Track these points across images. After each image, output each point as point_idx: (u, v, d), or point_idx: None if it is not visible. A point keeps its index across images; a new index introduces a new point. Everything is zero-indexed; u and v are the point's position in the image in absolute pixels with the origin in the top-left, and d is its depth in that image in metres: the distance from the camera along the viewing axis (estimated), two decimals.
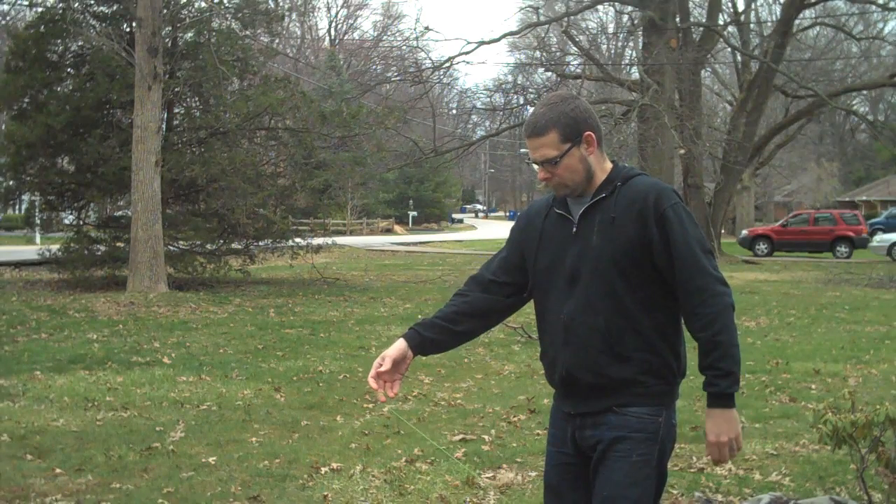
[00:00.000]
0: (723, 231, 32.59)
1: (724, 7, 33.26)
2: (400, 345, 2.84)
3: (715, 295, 2.58)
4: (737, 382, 2.59)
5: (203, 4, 18.69)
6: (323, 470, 5.40)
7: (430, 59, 33.12)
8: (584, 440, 2.72)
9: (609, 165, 2.76)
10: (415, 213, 58.69)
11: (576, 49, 26.47)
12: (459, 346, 3.03)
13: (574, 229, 2.70)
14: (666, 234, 2.60)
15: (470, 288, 2.91)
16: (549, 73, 27.03)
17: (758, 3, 39.08)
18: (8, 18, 32.80)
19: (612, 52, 47.52)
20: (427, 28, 70.42)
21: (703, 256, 2.60)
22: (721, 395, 2.59)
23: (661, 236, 2.60)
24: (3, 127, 23.48)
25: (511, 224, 3.06)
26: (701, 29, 27.49)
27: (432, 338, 2.86)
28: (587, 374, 2.65)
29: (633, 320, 2.62)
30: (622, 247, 2.61)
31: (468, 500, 4.92)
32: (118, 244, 17.31)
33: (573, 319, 2.66)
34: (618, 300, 2.62)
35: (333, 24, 65.23)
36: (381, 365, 2.79)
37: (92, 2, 18.26)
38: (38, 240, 23.81)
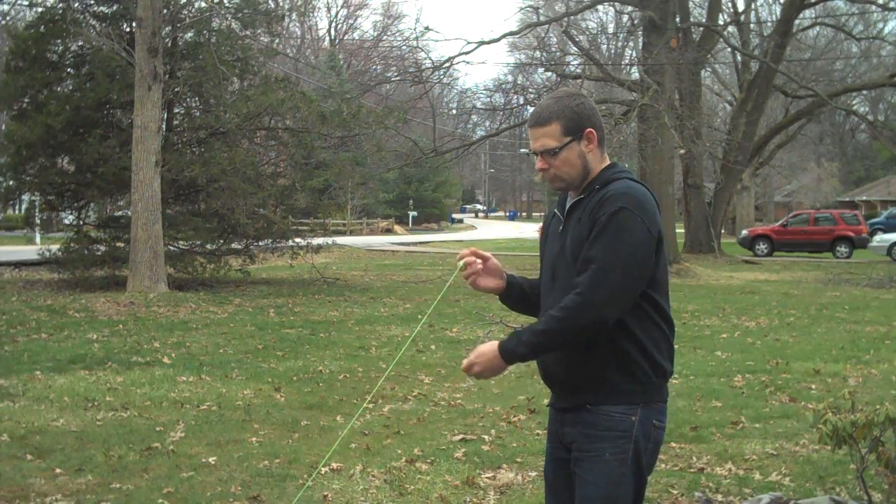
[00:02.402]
0: (723, 231, 32.59)
1: (724, 7, 33.28)
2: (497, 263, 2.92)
3: (583, 299, 2.54)
4: (516, 353, 2.62)
5: (203, 4, 18.68)
6: (323, 470, 5.40)
7: (430, 59, 33.06)
8: (563, 437, 2.78)
9: (605, 166, 2.78)
10: (415, 213, 58.67)
11: (576, 49, 26.40)
12: (527, 314, 3.03)
13: (560, 227, 2.78)
14: (593, 231, 2.60)
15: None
16: (549, 73, 26.99)
17: (758, 3, 39.13)
18: (8, 18, 32.79)
19: (612, 52, 47.52)
20: (427, 28, 70.42)
21: (610, 267, 2.54)
22: (506, 343, 2.64)
23: (587, 232, 2.61)
24: (3, 127, 23.49)
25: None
26: (701, 29, 27.47)
27: (522, 285, 2.93)
28: (559, 368, 2.72)
29: None
30: (579, 248, 2.65)
31: (468, 500, 4.93)
32: (118, 244, 17.30)
33: None
34: None
35: (333, 24, 65.21)
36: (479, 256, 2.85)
37: (92, 2, 18.26)
38: (38, 240, 23.77)
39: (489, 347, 2.67)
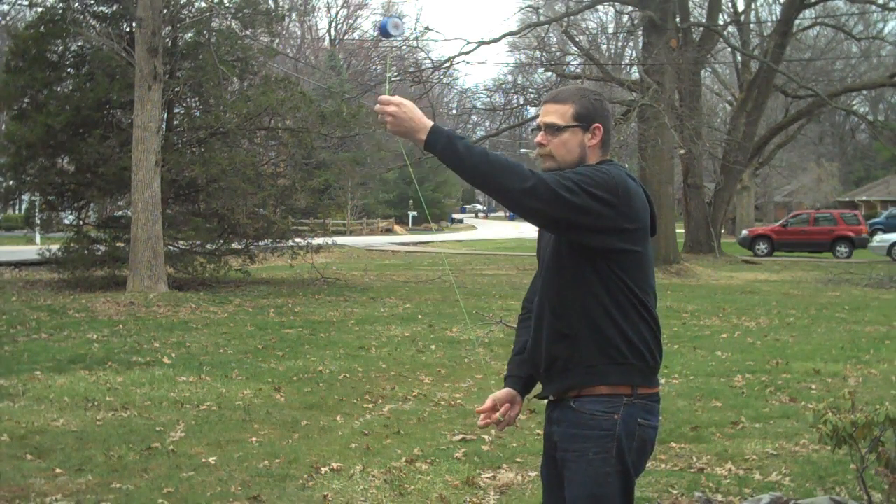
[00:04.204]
0: (723, 231, 32.59)
1: (724, 7, 33.29)
2: (505, 389, 2.96)
3: (536, 180, 2.50)
4: (452, 143, 2.53)
5: (203, 4, 18.68)
6: (323, 470, 5.40)
7: (430, 59, 33.03)
8: (551, 435, 2.79)
9: (600, 160, 2.79)
10: (415, 214, 58.64)
11: (576, 49, 26.39)
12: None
13: None
14: None
15: (525, 306, 3.03)
16: (549, 73, 27.01)
17: (758, 3, 39.11)
18: (8, 18, 32.79)
19: (612, 52, 47.51)
20: (427, 28, 70.08)
21: (571, 183, 2.54)
22: (449, 132, 2.57)
23: None
24: (3, 127, 23.49)
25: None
26: (701, 29, 27.49)
27: (530, 374, 2.94)
28: (540, 353, 2.75)
29: (576, 300, 2.67)
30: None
31: (468, 500, 4.92)
32: (118, 244, 17.30)
33: (539, 301, 2.79)
34: (564, 280, 2.69)
35: (333, 24, 65.17)
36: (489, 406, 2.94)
37: (92, 2, 18.24)
38: (38, 240, 23.80)
39: (422, 115, 2.58)
